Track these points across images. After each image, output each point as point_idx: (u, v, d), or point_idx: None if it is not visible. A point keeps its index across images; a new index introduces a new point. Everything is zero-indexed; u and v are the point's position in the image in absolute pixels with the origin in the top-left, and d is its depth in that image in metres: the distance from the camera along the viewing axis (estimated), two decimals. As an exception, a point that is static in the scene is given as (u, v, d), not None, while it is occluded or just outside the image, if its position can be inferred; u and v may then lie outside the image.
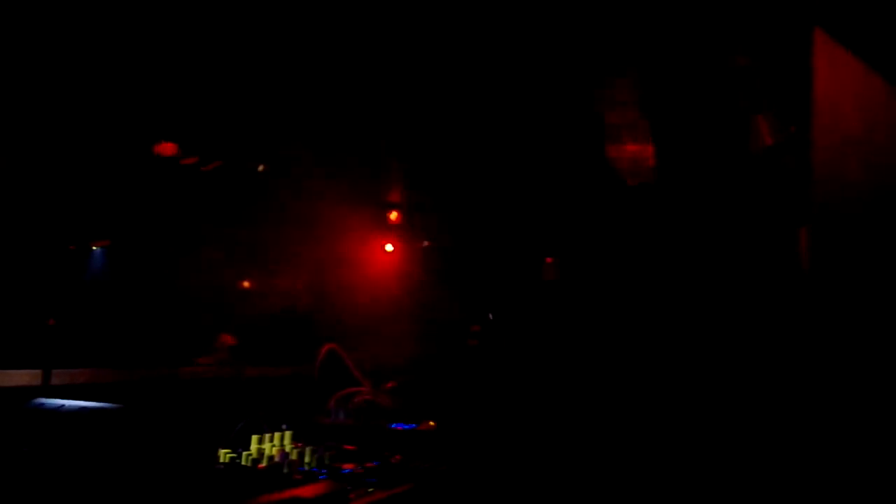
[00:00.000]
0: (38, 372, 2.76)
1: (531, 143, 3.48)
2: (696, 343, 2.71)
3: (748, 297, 2.63)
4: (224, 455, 2.33)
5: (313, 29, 3.04)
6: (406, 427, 2.81)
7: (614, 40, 3.02)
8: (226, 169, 3.51)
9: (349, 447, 2.62)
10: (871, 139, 2.67)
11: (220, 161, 3.46)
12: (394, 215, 4.47)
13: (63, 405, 2.20)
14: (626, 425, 2.74)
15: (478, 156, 3.78)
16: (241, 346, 3.76)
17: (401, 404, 3.01)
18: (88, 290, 3.15)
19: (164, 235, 3.45)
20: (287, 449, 2.38)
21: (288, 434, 2.50)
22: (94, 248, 3.19)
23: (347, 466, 2.33)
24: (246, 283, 4.03)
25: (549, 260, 3.42)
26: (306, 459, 2.34)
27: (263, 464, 2.32)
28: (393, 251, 4.50)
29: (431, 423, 2.92)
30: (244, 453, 2.34)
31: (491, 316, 3.27)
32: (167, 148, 3.24)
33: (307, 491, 1.91)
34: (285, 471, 2.24)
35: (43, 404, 2.24)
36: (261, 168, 3.70)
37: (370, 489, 2.09)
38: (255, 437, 2.42)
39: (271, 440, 2.45)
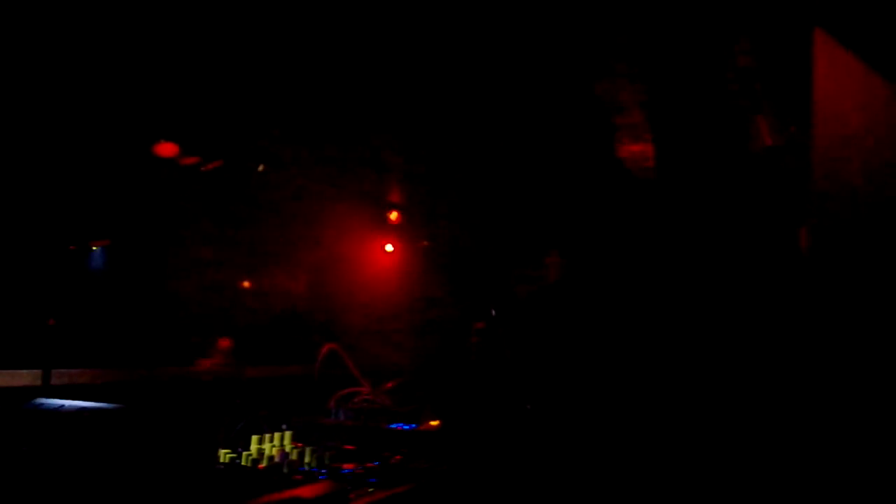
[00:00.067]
0: (38, 372, 2.75)
1: (531, 143, 3.49)
2: (695, 342, 2.71)
3: (748, 297, 2.63)
4: (224, 455, 2.33)
5: (313, 28, 3.04)
6: (406, 427, 2.81)
7: (614, 39, 3.02)
8: (226, 169, 3.51)
9: (349, 447, 2.62)
10: (871, 139, 2.67)
11: (220, 161, 3.46)
12: (394, 215, 4.47)
13: (63, 405, 2.20)
14: (629, 424, 2.74)
15: (478, 154, 3.78)
16: (241, 346, 3.76)
17: (401, 404, 3.01)
18: (88, 290, 3.15)
19: (163, 235, 3.44)
20: (287, 449, 2.38)
21: (288, 434, 2.50)
22: (93, 247, 3.18)
23: (347, 466, 2.33)
24: (246, 283, 4.02)
25: (549, 260, 3.42)
26: (306, 459, 2.34)
27: (263, 464, 2.32)
28: (393, 251, 4.50)
29: (432, 422, 2.92)
30: (244, 453, 2.34)
31: (494, 312, 3.27)
32: (167, 148, 3.23)
33: (307, 491, 1.91)
34: (285, 471, 2.25)
35: (43, 404, 2.24)
36: (261, 168, 3.69)
37: (370, 489, 2.09)
38: (255, 437, 2.42)
39: (271, 440, 2.45)
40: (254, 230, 3.85)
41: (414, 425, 2.84)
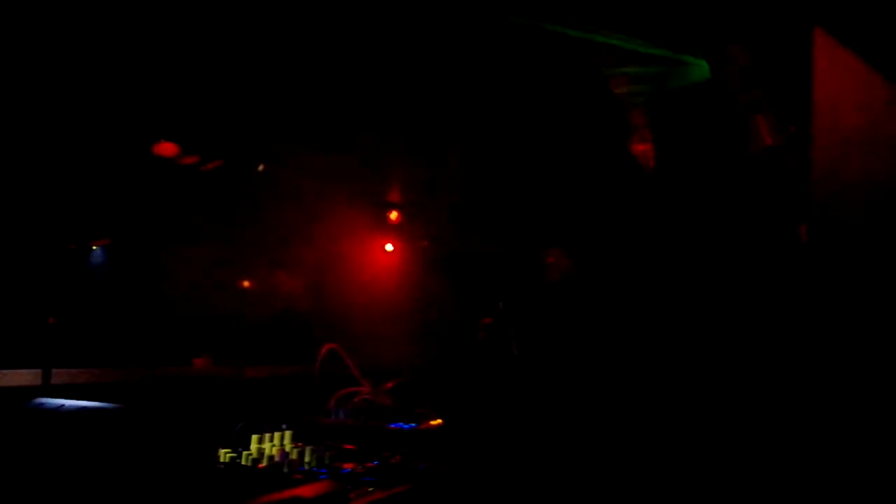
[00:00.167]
0: (38, 372, 2.76)
1: (532, 142, 3.48)
2: (697, 341, 2.71)
3: (748, 297, 2.63)
4: (224, 455, 2.33)
5: (313, 27, 3.04)
6: (406, 427, 2.81)
7: (615, 39, 3.02)
8: (226, 169, 3.51)
9: (349, 447, 2.62)
10: (871, 139, 2.67)
11: (220, 161, 3.46)
12: (394, 215, 4.47)
13: (63, 405, 2.20)
14: (631, 423, 2.74)
15: (478, 153, 3.78)
16: (241, 346, 3.76)
17: (401, 404, 3.01)
18: (88, 290, 3.15)
19: (163, 235, 3.45)
20: (287, 449, 2.38)
21: (288, 434, 2.50)
22: (94, 247, 3.19)
23: (347, 466, 2.33)
24: (246, 283, 4.03)
25: (550, 260, 3.42)
26: (306, 459, 2.34)
27: (263, 464, 2.32)
28: (393, 251, 4.50)
29: (433, 422, 2.91)
30: (244, 453, 2.34)
31: (501, 305, 3.26)
32: (167, 148, 3.23)
33: (307, 491, 1.90)
34: (285, 471, 2.25)
35: (43, 404, 2.24)
36: (261, 168, 3.69)
37: (370, 489, 2.09)
38: (255, 437, 2.42)
39: (271, 440, 2.45)
40: (254, 230, 3.85)
41: (414, 425, 2.84)
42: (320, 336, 3.35)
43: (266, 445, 2.41)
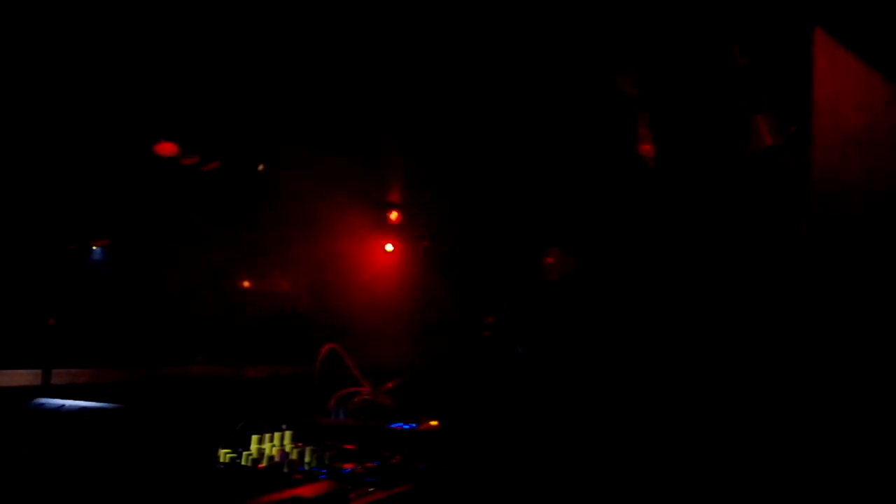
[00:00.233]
0: (38, 372, 2.76)
1: (532, 141, 3.48)
2: (697, 341, 2.71)
3: (748, 297, 2.63)
4: (224, 455, 2.33)
5: (313, 27, 3.04)
6: (406, 427, 2.81)
7: (614, 38, 3.02)
8: (226, 169, 3.51)
9: (349, 447, 2.62)
10: (871, 139, 2.67)
11: (219, 161, 3.46)
12: (394, 215, 4.47)
13: (63, 405, 2.20)
14: (632, 422, 2.74)
15: (478, 152, 3.78)
16: (241, 346, 3.76)
17: (401, 404, 3.01)
18: (88, 290, 3.15)
19: (163, 235, 3.45)
20: (287, 449, 2.38)
21: (288, 434, 2.50)
22: (94, 247, 3.19)
23: (347, 466, 2.33)
24: (246, 283, 4.03)
25: (550, 260, 3.42)
26: (306, 459, 2.34)
27: (263, 464, 2.32)
28: (393, 251, 4.50)
29: (433, 422, 2.91)
30: (244, 453, 2.34)
31: (506, 307, 3.26)
32: (167, 148, 3.24)
33: (307, 491, 1.90)
34: (285, 471, 2.24)
35: (43, 404, 2.24)
36: (261, 168, 3.69)
37: (370, 489, 2.09)
38: (255, 437, 2.42)
39: (271, 440, 2.45)
40: (254, 230, 3.85)
41: (414, 425, 2.84)
42: (320, 336, 3.35)
43: (266, 445, 2.41)
